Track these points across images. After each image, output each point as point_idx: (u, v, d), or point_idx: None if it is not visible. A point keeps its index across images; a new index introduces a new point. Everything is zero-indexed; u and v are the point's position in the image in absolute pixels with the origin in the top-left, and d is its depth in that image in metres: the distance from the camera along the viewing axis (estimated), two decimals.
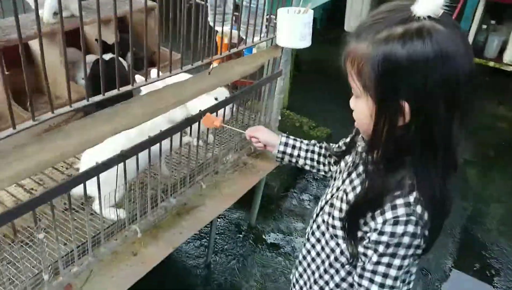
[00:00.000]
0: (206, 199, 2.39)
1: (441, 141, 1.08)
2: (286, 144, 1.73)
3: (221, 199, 2.40)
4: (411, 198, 1.10)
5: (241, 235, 3.22)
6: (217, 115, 2.03)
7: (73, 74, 2.76)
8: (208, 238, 3.05)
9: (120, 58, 2.64)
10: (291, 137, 1.81)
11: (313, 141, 1.82)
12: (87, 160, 1.87)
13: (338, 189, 1.38)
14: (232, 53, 2.04)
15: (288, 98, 4.49)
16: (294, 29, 2.15)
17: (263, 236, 3.23)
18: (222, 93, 2.14)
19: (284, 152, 1.74)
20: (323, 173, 1.77)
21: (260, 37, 2.24)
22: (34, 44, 2.63)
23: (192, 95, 1.88)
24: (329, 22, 7.08)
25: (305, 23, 2.17)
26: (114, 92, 1.53)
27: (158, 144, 1.82)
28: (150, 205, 1.97)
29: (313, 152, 1.73)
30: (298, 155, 1.72)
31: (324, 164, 1.73)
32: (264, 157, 2.80)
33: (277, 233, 3.26)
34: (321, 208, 1.43)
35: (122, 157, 1.66)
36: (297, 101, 4.72)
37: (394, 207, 1.11)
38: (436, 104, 1.03)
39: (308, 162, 1.72)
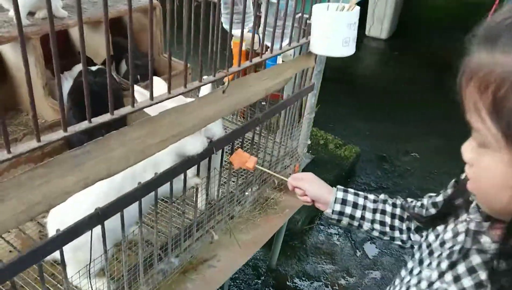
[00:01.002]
0: (219, 249, 1.86)
1: None
2: (344, 202, 1.27)
3: (237, 250, 1.87)
4: None
5: (259, 281, 2.67)
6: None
7: (54, 89, 2.26)
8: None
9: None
10: (351, 190, 1.33)
11: (382, 197, 1.34)
12: (54, 219, 1.36)
13: (430, 285, 0.90)
14: (254, 63, 1.51)
15: None
16: (336, 32, 1.62)
17: (286, 282, 2.69)
18: (217, 127, 1.57)
19: (341, 213, 1.28)
20: (399, 242, 1.30)
21: (290, 43, 1.71)
22: (6, 51, 2.13)
23: (200, 123, 1.35)
24: None
25: (350, 24, 1.64)
26: (106, 116, 1.03)
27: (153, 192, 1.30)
28: (142, 271, 1.44)
29: (383, 212, 1.27)
30: (363, 217, 1.27)
31: (401, 230, 1.26)
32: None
33: (303, 278, 2.71)
34: None
35: (98, 217, 1.14)
36: (320, 115, 4.19)
37: None
38: None
39: (377, 226, 1.27)
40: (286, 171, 2.23)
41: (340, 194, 1.30)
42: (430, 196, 1.23)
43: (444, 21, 6.64)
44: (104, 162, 1.09)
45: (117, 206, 1.19)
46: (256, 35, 1.93)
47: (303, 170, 2.65)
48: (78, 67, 2.14)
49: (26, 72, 0.88)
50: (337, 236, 3.03)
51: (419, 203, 1.25)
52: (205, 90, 1.50)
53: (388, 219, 1.27)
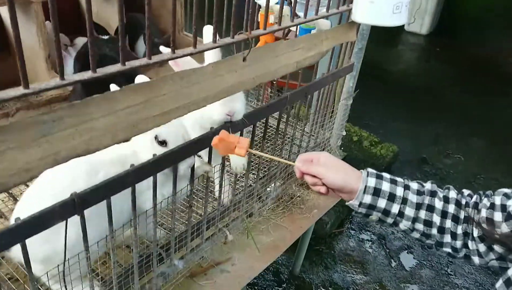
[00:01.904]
0: (234, 251, 1.59)
1: None
2: (377, 192, 0.97)
3: (255, 254, 1.60)
4: None
5: (280, 289, 2.39)
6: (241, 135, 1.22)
7: None
8: None
9: None
10: (386, 175, 1.01)
11: (429, 186, 1.02)
12: (22, 207, 1.11)
13: None
14: (283, 28, 1.23)
15: None
16: None
17: None
18: (239, 103, 1.27)
19: (372, 206, 0.98)
20: (448, 249, 1.00)
21: (328, 9, 1.42)
22: (6, 17, 1.92)
23: (213, 95, 1.08)
24: None
25: None
26: (115, 67, 0.80)
27: (149, 179, 1.04)
28: (137, 274, 1.18)
29: (430, 209, 0.97)
30: (401, 214, 0.98)
31: (454, 235, 0.97)
32: None
33: (329, 288, 2.41)
34: None
35: (74, 205, 0.88)
36: (353, 110, 3.87)
37: None
38: None
39: (420, 227, 0.98)
40: None
41: (372, 181, 0.98)
42: (507, 195, 0.92)
43: (489, 18, 6.15)
44: (83, 134, 0.84)
45: (101, 192, 0.93)
46: (286, 7, 1.65)
47: None
48: (81, 40, 1.91)
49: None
50: (370, 242, 2.71)
51: (487, 202, 0.93)
52: (211, 56, 1.22)
53: (436, 219, 0.97)
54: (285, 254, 2.53)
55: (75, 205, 0.88)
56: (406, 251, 2.69)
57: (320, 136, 1.87)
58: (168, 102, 0.98)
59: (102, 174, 1.08)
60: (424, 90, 4.73)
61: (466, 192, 1.01)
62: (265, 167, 1.67)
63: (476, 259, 0.95)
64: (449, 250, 0.98)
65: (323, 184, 1.01)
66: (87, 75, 0.81)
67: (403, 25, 6.21)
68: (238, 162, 1.30)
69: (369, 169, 1.02)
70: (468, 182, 3.34)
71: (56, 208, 0.85)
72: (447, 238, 0.97)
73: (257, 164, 1.54)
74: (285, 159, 1.25)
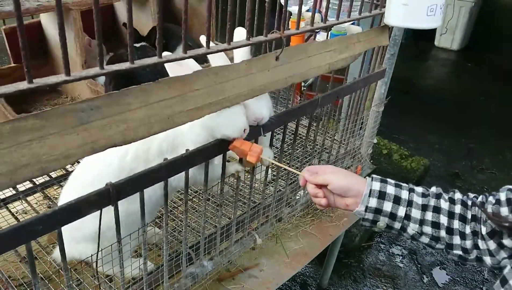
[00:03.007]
0: (263, 257, 1.58)
1: None
2: (382, 195, 0.98)
3: (284, 261, 1.58)
4: None
5: None
6: (256, 142, 1.22)
7: None
8: None
9: (151, 46, 1.94)
10: (390, 181, 1.03)
11: (434, 189, 1.02)
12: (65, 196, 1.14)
13: None
14: (315, 28, 1.24)
15: None
16: None
17: None
18: (266, 108, 1.22)
19: (378, 211, 0.98)
20: (459, 252, 0.97)
21: (360, 12, 1.42)
22: (47, 27, 1.99)
23: (246, 93, 1.09)
24: (415, 35, 6.10)
25: None
26: (153, 59, 0.83)
27: (181, 175, 1.05)
28: (167, 272, 1.18)
29: (437, 210, 0.97)
30: (407, 217, 0.98)
31: (463, 235, 0.95)
32: None
33: None
34: None
35: (109, 195, 0.89)
36: (383, 124, 3.82)
37: None
38: None
39: (428, 229, 0.97)
40: None
41: (376, 185, 0.98)
42: (511, 190, 0.90)
43: None
44: (119, 124, 0.85)
45: (135, 184, 0.94)
46: (317, 14, 1.66)
47: None
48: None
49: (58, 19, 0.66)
50: (401, 257, 2.63)
51: (492, 199, 0.92)
52: (241, 57, 1.23)
53: (444, 220, 0.96)
54: (313, 265, 2.49)
55: (110, 195, 0.89)
56: (439, 267, 2.60)
57: (350, 144, 1.84)
58: (202, 97, 0.99)
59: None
60: (455, 104, 4.64)
61: (471, 195, 1.00)
62: (293, 175, 1.65)
63: (488, 260, 0.93)
64: (459, 252, 0.96)
65: (324, 197, 1.04)
66: (125, 66, 0.83)
67: (434, 41, 6.16)
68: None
69: (374, 175, 1.03)
70: None
71: (91, 197, 0.86)
72: (456, 239, 0.95)
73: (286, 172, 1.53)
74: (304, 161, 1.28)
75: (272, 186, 1.56)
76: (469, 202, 0.97)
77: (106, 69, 0.80)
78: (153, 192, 1.07)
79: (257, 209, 1.46)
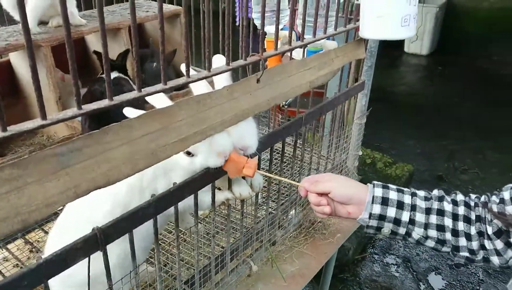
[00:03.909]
0: (259, 284, 1.53)
1: None
2: (385, 201, 0.97)
3: (282, 285, 1.53)
4: None
5: None
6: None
7: (68, 105, 2.04)
8: None
9: (126, 77, 1.90)
10: (392, 186, 1.02)
11: (436, 192, 1.03)
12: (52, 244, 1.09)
13: None
14: (294, 48, 1.23)
15: None
16: (392, 8, 1.33)
17: None
18: (252, 137, 1.17)
19: (382, 217, 0.97)
20: (465, 253, 0.97)
21: (336, 27, 1.42)
22: (17, 65, 1.94)
23: (230, 119, 1.06)
24: (385, 43, 6.20)
25: None
26: (132, 94, 0.80)
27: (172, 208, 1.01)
28: None
29: (441, 213, 0.97)
30: (412, 221, 0.97)
31: (468, 237, 0.95)
32: None
33: None
34: None
35: (97, 240, 0.84)
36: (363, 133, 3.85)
37: None
38: None
39: (433, 233, 0.97)
40: None
41: (379, 191, 0.98)
42: None
43: (489, 33, 6.20)
44: (102, 165, 0.81)
45: (123, 225, 0.89)
46: (286, 32, 1.65)
47: None
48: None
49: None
50: (395, 266, 2.61)
51: (496, 199, 0.93)
52: (222, 83, 1.20)
53: (448, 222, 0.95)
54: (309, 285, 2.44)
55: (98, 240, 0.84)
56: (434, 272, 2.59)
57: (337, 158, 1.83)
58: (185, 127, 0.96)
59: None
60: (431, 107, 4.71)
61: (473, 195, 1.00)
62: (284, 193, 1.63)
63: (495, 260, 0.93)
64: (466, 254, 0.95)
65: (327, 204, 1.02)
66: (104, 103, 0.80)
67: (403, 47, 6.29)
68: (241, 187, 1.24)
69: (375, 182, 1.02)
70: None
71: (78, 245, 0.81)
72: (462, 241, 0.94)
73: (277, 191, 1.50)
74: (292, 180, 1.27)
75: (263, 209, 1.53)
76: (472, 203, 0.97)
77: (84, 109, 0.77)
78: (145, 229, 1.03)
79: (249, 234, 1.42)
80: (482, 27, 6.31)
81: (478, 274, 2.56)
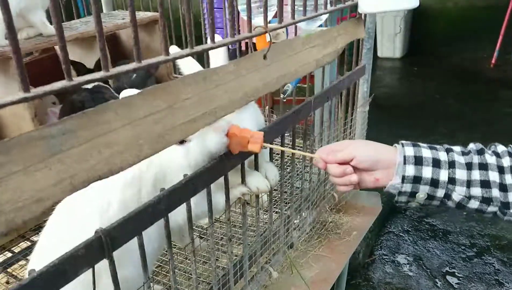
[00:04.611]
0: None
1: None
2: (419, 161, 0.85)
3: None
4: None
5: None
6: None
7: (46, 122, 1.87)
8: None
9: (106, 86, 1.75)
10: (422, 144, 0.92)
11: (473, 146, 0.92)
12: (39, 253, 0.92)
13: None
14: (296, 22, 1.11)
15: None
16: None
17: None
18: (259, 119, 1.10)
19: (417, 179, 0.85)
20: None
21: (327, 4, 1.31)
22: None
23: (241, 97, 0.93)
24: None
25: None
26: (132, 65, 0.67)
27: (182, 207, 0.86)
28: None
29: (483, 167, 0.85)
30: (452, 181, 0.85)
31: None
32: (350, 208, 1.79)
33: None
34: None
35: (102, 245, 0.68)
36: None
37: None
38: None
39: (477, 191, 0.84)
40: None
41: (410, 150, 0.86)
42: None
43: (456, 32, 6.30)
44: (101, 149, 0.66)
45: (132, 225, 0.74)
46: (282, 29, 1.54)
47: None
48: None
49: None
50: (408, 265, 2.48)
51: None
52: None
53: (494, 176, 0.83)
54: None
55: (104, 244, 0.68)
56: (448, 267, 2.47)
57: None
58: (193, 107, 0.82)
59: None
60: (414, 106, 4.69)
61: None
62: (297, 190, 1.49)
63: None
64: None
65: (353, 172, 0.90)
66: (98, 75, 0.65)
67: (376, 53, 6.32)
68: (257, 179, 1.09)
69: (403, 141, 0.90)
70: None
71: (79, 251, 0.65)
72: None
73: (290, 187, 1.36)
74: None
75: (274, 211, 1.38)
76: None
77: (75, 80, 0.62)
78: (148, 240, 0.87)
79: (265, 237, 1.27)
80: (449, 26, 6.41)
81: (494, 265, 2.45)
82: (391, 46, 6.31)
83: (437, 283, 2.36)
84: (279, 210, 1.37)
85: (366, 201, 1.83)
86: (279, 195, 1.30)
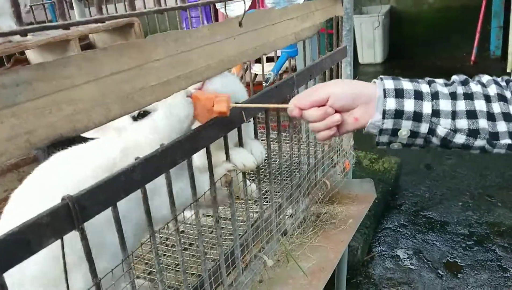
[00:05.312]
0: (276, 287, 1.29)
1: None
2: (399, 93, 0.80)
3: (301, 283, 1.30)
4: None
5: None
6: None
7: None
8: None
9: None
10: (402, 78, 0.86)
11: (456, 77, 0.87)
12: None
13: None
14: None
15: None
16: None
17: None
18: (238, 86, 1.15)
19: (399, 113, 0.79)
20: (508, 140, 0.80)
21: None
22: None
23: (216, 63, 0.87)
24: None
25: None
26: None
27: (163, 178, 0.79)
28: None
29: (469, 96, 0.80)
30: (436, 113, 0.79)
31: (509, 117, 0.78)
32: (344, 198, 1.73)
33: None
34: None
35: (69, 212, 0.61)
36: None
37: None
38: None
39: (463, 123, 0.79)
40: (335, 174, 1.71)
41: (389, 83, 0.81)
42: None
43: (433, 33, 6.39)
44: (62, 106, 0.60)
45: (104, 194, 0.66)
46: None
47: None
48: None
49: None
50: (408, 259, 2.41)
51: None
52: None
53: (481, 105, 0.78)
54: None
55: (72, 213, 0.61)
56: (449, 257, 2.40)
57: (332, 140, 1.66)
58: (165, 69, 0.76)
59: None
60: None
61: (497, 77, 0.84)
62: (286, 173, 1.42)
63: None
64: (508, 140, 0.78)
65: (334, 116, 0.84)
66: None
67: (357, 59, 6.36)
68: (242, 155, 1.04)
69: (382, 76, 0.85)
70: (481, 176, 3.16)
71: (43, 219, 0.58)
72: (501, 125, 0.77)
73: (278, 175, 1.30)
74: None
75: (262, 199, 1.32)
76: (503, 83, 0.81)
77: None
78: (127, 212, 0.80)
79: (256, 225, 1.20)
80: (427, 28, 6.50)
81: (495, 251, 2.40)
82: (371, 52, 6.37)
83: (439, 274, 2.29)
84: (269, 200, 1.30)
85: (359, 189, 1.78)
86: (267, 176, 1.24)
